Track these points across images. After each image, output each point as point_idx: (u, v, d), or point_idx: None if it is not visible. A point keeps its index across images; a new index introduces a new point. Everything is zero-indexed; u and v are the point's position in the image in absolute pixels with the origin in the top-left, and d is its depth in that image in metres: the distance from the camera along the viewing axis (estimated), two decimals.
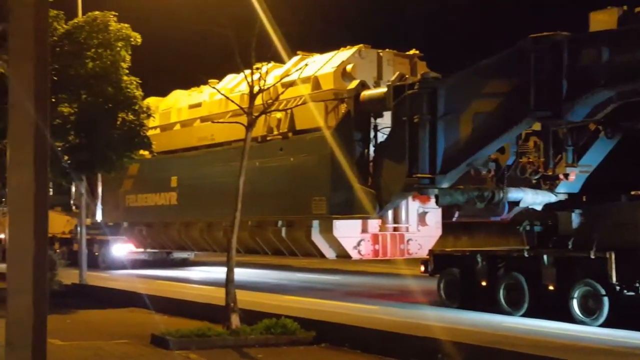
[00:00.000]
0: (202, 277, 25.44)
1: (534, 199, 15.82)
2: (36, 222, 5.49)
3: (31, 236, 5.48)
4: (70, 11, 19.93)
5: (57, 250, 28.74)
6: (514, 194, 15.71)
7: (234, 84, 22.50)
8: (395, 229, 19.90)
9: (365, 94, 18.06)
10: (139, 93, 19.33)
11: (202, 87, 24.04)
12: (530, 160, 15.86)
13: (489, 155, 15.83)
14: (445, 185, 15.85)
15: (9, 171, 5.72)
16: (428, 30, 35.51)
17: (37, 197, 5.50)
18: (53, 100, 17.10)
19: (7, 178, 5.92)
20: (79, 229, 23.02)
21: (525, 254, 15.75)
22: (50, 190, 26.32)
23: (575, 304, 14.47)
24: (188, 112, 24.73)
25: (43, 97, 5.60)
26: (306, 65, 19.70)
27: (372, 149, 18.08)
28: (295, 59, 21.07)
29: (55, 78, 16.69)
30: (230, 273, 13.11)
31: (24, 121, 5.50)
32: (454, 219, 17.45)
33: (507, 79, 15.14)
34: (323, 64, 19.87)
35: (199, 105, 24.26)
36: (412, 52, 20.20)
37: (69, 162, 19.05)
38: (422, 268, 18.24)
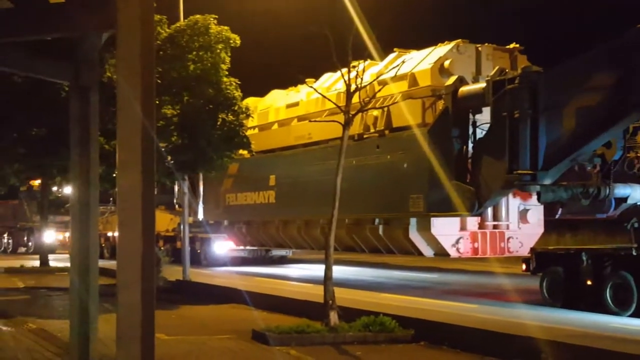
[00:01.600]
0: (300, 275, 25.70)
1: None
2: (144, 221, 5.69)
3: (139, 235, 5.68)
4: (172, 15, 20.57)
5: (162, 248, 29.71)
6: (621, 190, 15.19)
7: (331, 82, 22.61)
8: (495, 227, 19.51)
9: (464, 89, 17.78)
10: (238, 94, 19.72)
11: (300, 86, 24.27)
12: (639, 155, 15.25)
13: (594, 150, 15.32)
14: (547, 181, 15.43)
15: (119, 172, 5.94)
16: (529, 22, 34.61)
17: (144, 197, 5.69)
18: (157, 102, 17.67)
19: (116, 179, 6.15)
20: (182, 227, 23.70)
21: (634, 252, 15.21)
22: (155, 189, 27.06)
23: None
24: (286, 111, 25.04)
25: (149, 100, 5.80)
26: (403, 62, 19.56)
27: (470, 145, 17.78)
28: (391, 56, 20.96)
29: (158, 81, 17.23)
30: (328, 270, 13.19)
31: (132, 123, 5.70)
32: (557, 217, 16.97)
33: (611, 72, 14.60)
34: (420, 61, 19.69)
35: (296, 104, 24.52)
36: (512, 45, 19.72)
37: (172, 162, 19.64)
38: (524, 266, 17.83)
